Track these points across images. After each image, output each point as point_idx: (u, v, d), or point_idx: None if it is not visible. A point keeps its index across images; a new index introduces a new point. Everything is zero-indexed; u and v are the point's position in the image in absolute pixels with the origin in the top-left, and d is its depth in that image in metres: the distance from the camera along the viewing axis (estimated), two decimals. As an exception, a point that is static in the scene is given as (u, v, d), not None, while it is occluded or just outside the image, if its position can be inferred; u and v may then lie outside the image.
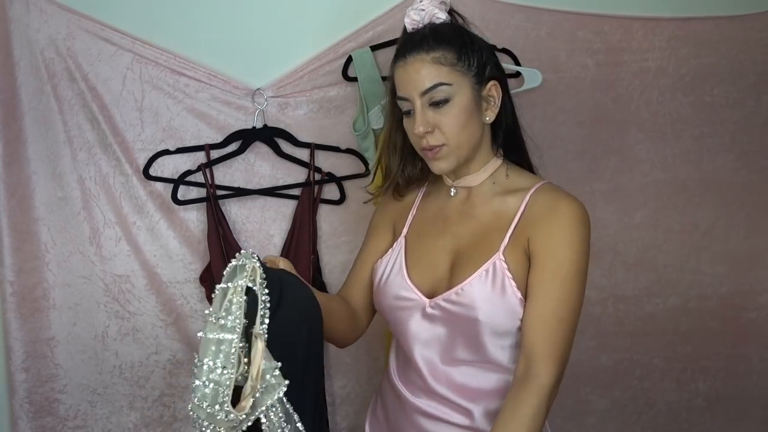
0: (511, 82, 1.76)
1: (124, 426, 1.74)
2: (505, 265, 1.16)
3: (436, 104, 1.17)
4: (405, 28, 1.25)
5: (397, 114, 1.26)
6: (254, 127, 1.71)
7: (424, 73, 1.17)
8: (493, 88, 1.22)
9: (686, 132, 1.89)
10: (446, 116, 1.17)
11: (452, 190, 1.28)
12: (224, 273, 1.00)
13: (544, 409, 1.11)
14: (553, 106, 1.82)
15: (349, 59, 1.71)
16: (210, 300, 1.70)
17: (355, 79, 1.72)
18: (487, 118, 1.22)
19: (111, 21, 1.64)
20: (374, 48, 1.71)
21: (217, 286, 0.99)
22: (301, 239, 1.74)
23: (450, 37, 1.19)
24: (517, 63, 1.76)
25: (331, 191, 1.77)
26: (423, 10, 1.22)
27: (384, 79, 1.72)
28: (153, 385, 1.75)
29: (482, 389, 1.20)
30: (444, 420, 1.22)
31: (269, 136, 1.72)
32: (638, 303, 1.93)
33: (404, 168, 1.32)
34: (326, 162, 1.76)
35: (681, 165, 1.89)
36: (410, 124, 1.21)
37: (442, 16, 1.22)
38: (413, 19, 1.23)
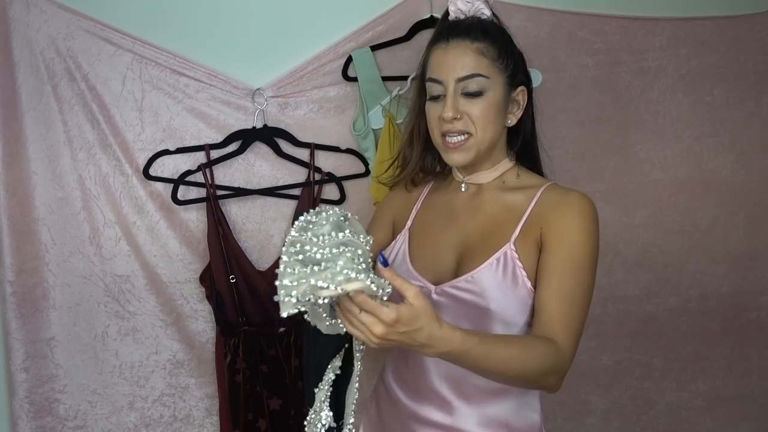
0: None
1: (124, 426, 1.74)
2: (516, 255, 1.16)
3: (469, 95, 1.18)
4: (446, 15, 1.25)
5: (424, 99, 1.25)
6: (254, 127, 1.71)
7: (467, 60, 1.17)
8: (521, 93, 1.24)
9: (686, 132, 1.89)
10: (476, 107, 1.18)
11: (463, 185, 1.28)
12: (344, 231, 0.92)
13: (552, 364, 1.06)
14: (553, 106, 1.82)
15: (349, 59, 1.71)
16: (210, 300, 1.71)
17: (355, 79, 1.72)
18: (509, 121, 1.24)
19: (111, 21, 1.65)
20: (374, 48, 1.71)
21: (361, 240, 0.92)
22: (301, 239, 1.74)
23: (495, 33, 1.21)
24: (517, 63, 1.76)
25: (331, 191, 1.77)
26: (470, 2, 1.23)
27: (384, 79, 1.72)
28: (153, 385, 1.75)
29: (479, 387, 1.20)
30: (435, 421, 1.21)
31: (269, 136, 1.72)
32: (638, 303, 1.93)
33: (424, 158, 1.33)
34: (326, 162, 1.76)
35: (681, 165, 1.89)
36: (437, 108, 1.20)
37: (487, 13, 1.24)
38: (459, 8, 1.24)
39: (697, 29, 1.85)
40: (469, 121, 1.18)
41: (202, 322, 1.75)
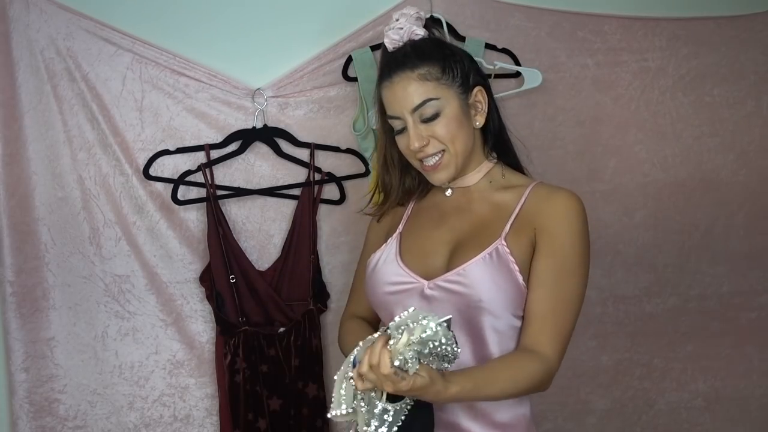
0: (511, 82, 1.77)
1: (124, 426, 1.74)
2: (508, 250, 1.17)
3: (428, 120, 1.20)
4: (385, 48, 1.28)
5: (389, 132, 1.28)
6: (254, 127, 1.71)
7: (412, 90, 1.19)
8: (479, 94, 1.25)
9: (686, 132, 1.89)
10: (438, 127, 1.20)
11: (448, 191, 1.30)
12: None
13: (540, 380, 1.14)
14: (553, 106, 1.82)
15: (349, 59, 1.71)
16: (210, 300, 1.71)
17: (355, 79, 1.72)
18: (477, 123, 1.25)
19: (111, 21, 1.65)
20: (374, 48, 1.71)
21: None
22: (301, 239, 1.74)
23: (432, 52, 1.22)
24: (517, 63, 1.76)
25: (331, 191, 1.77)
26: (401, 28, 1.25)
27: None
28: (153, 385, 1.74)
29: None
30: None
31: (269, 136, 1.72)
32: (638, 303, 1.93)
33: (404, 182, 1.34)
34: (326, 162, 1.76)
35: (681, 165, 1.89)
36: (404, 140, 1.23)
37: (420, 32, 1.25)
38: (393, 39, 1.26)
39: (697, 29, 1.85)
40: (436, 141, 1.20)
41: (202, 322, 1.75)
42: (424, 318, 0.97)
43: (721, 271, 1.94)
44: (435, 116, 1.20)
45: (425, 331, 0.96)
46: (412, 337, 0.96)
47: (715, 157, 1.90)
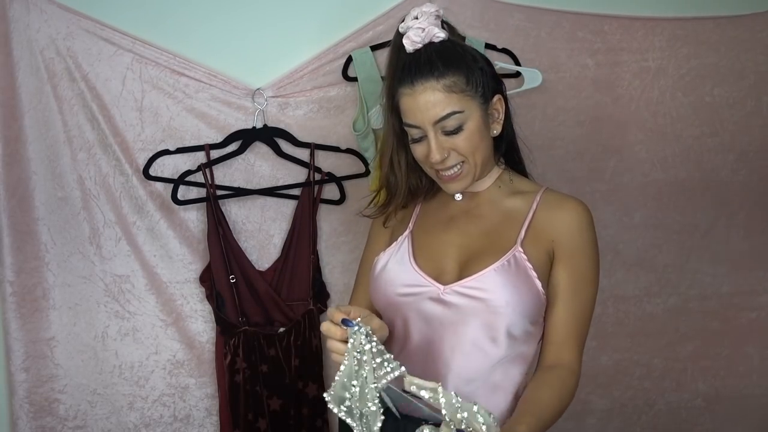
0: (511, 82, 1.77)
1: (124, 426, 1.74)
2: (525, 257, 1.17)
3: (450, 132, 1.17)
4: (402, 48, 1.19)
5: (399, 133, 1.25)
6: (254, 127, 1.71)
7: (437, 101, 1.15)
8: (498, 103, 1.22)
9: (686, 132, 1.89)
10: (460, 140, 1.17)
11: (458, 195, 1.28)
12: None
13: (575, 392, 1.18)
14: (553, 106, 1.82)
15: (349, 59, 1.71)
16: (210, 300, 1.71)
17: (355, 79, 1.72)
18: (495, 132, 1.23)
19: (111, 21, 1.65)
20: (374, 48, 1.71)
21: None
22: (301, 239, 1.74)
23: (457, 60, 1.16)
24: (517, 63, 1.76)
25: (331, 191, 1.77)
26: (423, 29, 1.17)
27: (384, 79, 1.72)
28: (153, 385, 1.75)
29: (480, 378, 1.19)
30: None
31: (269, 136, 1.72)
32: (638, 303, 1.93)
33: (410, 184, 1.31)
34: (326, 162, 1.76)
35: (681, 165, 1.89)
36: (422, 149, 1.20)
37: (441, 35, 1.18)
38: (414, 41, 1.18)
39: (697, 29, 1.85)
40: (456, 154, 1.18)
41: (202, 322, 1.75)
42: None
43: (721, 271, 1.94)
44: (458, 129, 1.16)
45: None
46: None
47: (715, 157, 1.90)
